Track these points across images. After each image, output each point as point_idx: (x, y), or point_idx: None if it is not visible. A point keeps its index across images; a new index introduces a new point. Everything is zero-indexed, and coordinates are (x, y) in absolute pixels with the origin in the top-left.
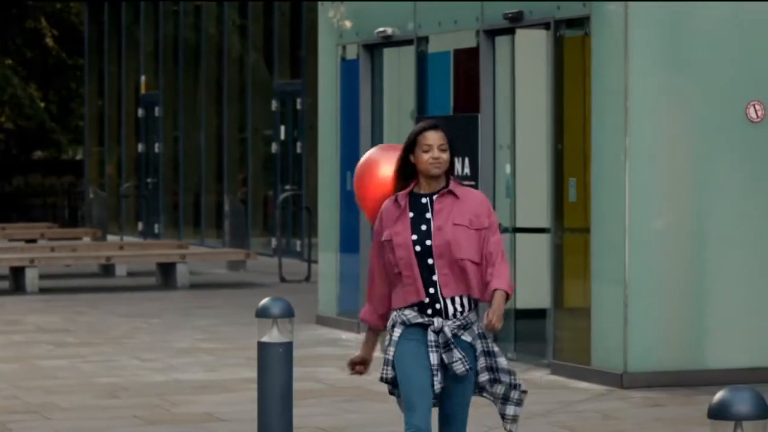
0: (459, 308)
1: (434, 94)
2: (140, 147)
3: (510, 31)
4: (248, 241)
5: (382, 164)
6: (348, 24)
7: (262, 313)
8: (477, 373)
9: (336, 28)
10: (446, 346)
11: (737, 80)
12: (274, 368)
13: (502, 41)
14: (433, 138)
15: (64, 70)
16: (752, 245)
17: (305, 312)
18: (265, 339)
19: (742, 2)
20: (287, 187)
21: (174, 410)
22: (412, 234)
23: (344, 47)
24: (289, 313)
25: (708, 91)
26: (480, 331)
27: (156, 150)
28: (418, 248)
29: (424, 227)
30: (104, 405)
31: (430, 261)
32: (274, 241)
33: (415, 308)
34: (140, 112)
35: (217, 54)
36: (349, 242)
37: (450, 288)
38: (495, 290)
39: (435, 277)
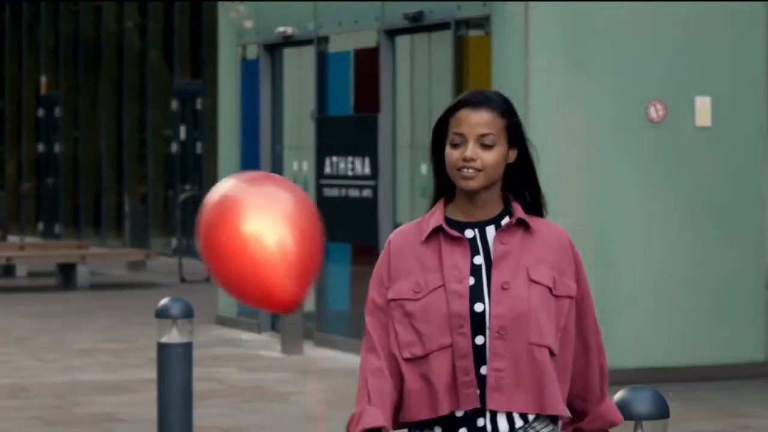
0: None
1: (335, 94)
2: (40, 147)
3: (410, 31)
4: (148, 242)
5: (247, 211)
6: (248, 24)
7: (162, 314)
8: None
9: (236, 28)
10: None
11: (638, 80)
12: (174, 368)
13: (402, 41)
14: (472, 121)
15: None
16: (654, 245)
17: (205, 312)
18: (164, 339)
19: (642, 2)
20: (187, 187)
21: (75, 411)
22: (449, 291)
23: (244, 47)
24: (188, 314)
25: (608, 91)
26: None
27: (56, 150)
28: (459, 318)
29: (472, 281)
30: (5, 406)
31: (480, 340)
32: (174, 242)
33: (439, 428)
34: (40, 112)
35: (117, 54)
36: None
37: (506, 395)
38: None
39: (483, 370)
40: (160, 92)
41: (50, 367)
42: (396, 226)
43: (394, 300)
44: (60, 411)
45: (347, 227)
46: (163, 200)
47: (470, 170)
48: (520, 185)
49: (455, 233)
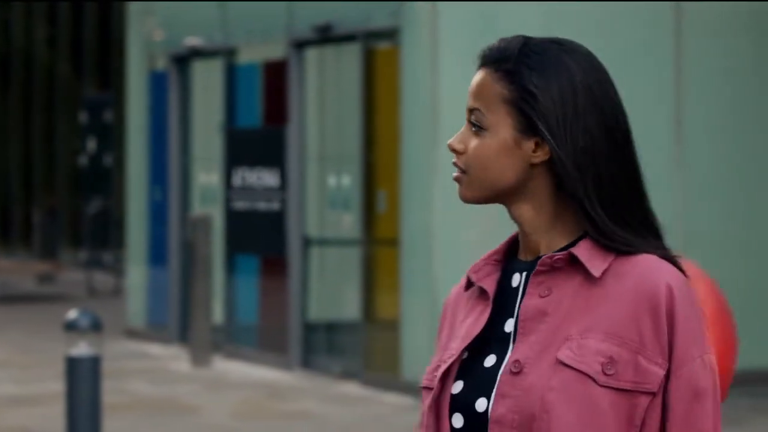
0: None
1: (243, 106)
2: None
3: (319, 43)
4: (58, 254)
5: None
6: (157, 35)
7: (70, 326)
8: None
9: (145, 39)
10: None
11: None
12: (83, 381)
13: (311, 53)
14: (470, 89)
15: None
16: None
17: (114, 324)
18: (73, 352)
19: (548, 13)
20: (96, 199)
21: None
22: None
23: (153, 58)
24: (97, 326)
25: None
26: None
27: None
28: (456, 413)
29: (492, 360)
30: None
31: None
32: (83, 254)
33: None
34: None
35: (26, 65)
36: (157, 254)
37: None
38: None
39: None
40: (68, 104)
41: None
42: (304, 238)
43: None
44: None
45: (256, 239)
46: (72, 212)
47: (455, 168)
48: (583, 201)
49: (481, 282)
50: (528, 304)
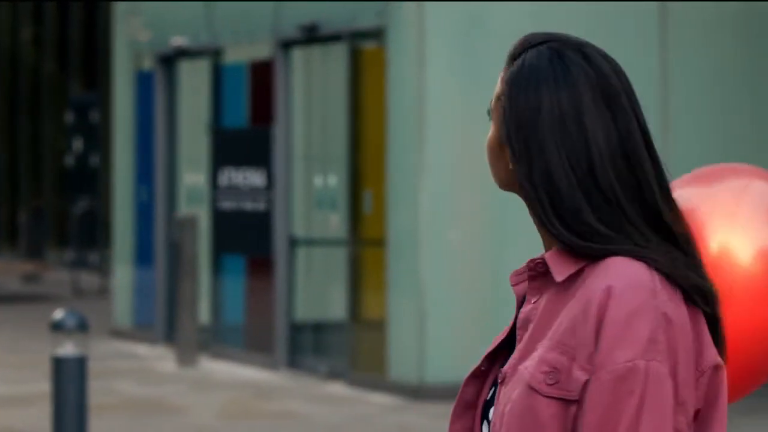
0: None
1: (230, 106)
2: None
3: (305, 43)
4: (44, 254)
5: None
6: (143, 35)
7: (57, 327)
8: None
9: (132, 40)
10: None
11: None
12: (69, 381)
13: (297, 53)
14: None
15: None
16: None
17: (101, 325)
18: (59, 352)
19: (535, 13)
20: (82, 199)
21: None
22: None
23: (140, 58)
24: (83, 326)
25: None
26: None
27: None
28: (485, 420)
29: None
30: None
31: None
32: (69, 254)
33: None
34: None
35: (12, 65)
36: (144, 255)
37: None
38: None
39: None
40: (54, 104)
41: None
42: (291, 238)
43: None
44: None
45: (242, 239)
46: (58, 212)
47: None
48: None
49: (514, 288)
50: (523, 311)
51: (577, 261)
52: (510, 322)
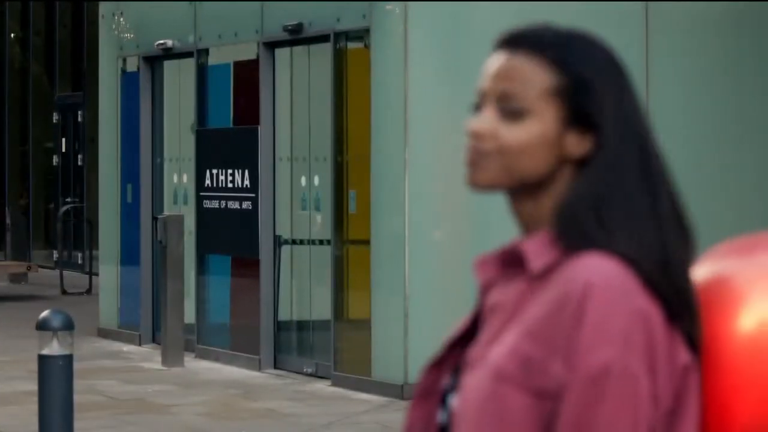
0: None
1: (215, 106)
2: None
3: (290, 44)
4: (30, 254)
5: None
6: (128, 36)
7: (43, 326)
8: None
9: (117, 40)
10: None
11: None
12: (55, 381)
13: (282, 53)
14: (492, 70)
15: None
16: None
17: (87, 324)
18: (45, 352)
19: (519, 13)
20: (69, 199)
21: None
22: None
23: (125, 59)
24: (69, 326)
25: None
26: None
27: None
28: (438, 413)
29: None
30: None
31: None
32: (55, 254)
33: None
34: None
35: None
36: (129, 255)
37: None
38: None
39: None
40: (41, 104)
41: None
42: (276, 239)
43: None
44: None
45: (227, 240)
46: (45, 213)
47: (470, 151)
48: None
49: (481, 267)
50: (492, 296)
51: (554, 251)
52: (473, 309)
